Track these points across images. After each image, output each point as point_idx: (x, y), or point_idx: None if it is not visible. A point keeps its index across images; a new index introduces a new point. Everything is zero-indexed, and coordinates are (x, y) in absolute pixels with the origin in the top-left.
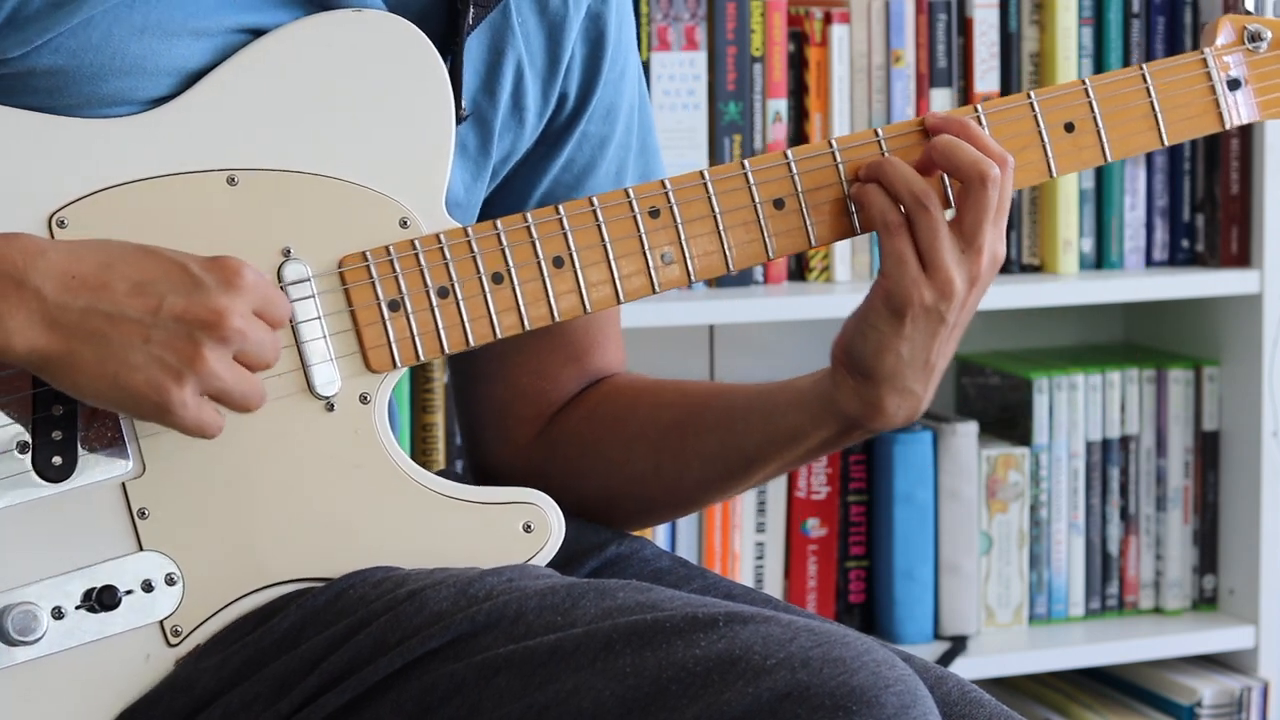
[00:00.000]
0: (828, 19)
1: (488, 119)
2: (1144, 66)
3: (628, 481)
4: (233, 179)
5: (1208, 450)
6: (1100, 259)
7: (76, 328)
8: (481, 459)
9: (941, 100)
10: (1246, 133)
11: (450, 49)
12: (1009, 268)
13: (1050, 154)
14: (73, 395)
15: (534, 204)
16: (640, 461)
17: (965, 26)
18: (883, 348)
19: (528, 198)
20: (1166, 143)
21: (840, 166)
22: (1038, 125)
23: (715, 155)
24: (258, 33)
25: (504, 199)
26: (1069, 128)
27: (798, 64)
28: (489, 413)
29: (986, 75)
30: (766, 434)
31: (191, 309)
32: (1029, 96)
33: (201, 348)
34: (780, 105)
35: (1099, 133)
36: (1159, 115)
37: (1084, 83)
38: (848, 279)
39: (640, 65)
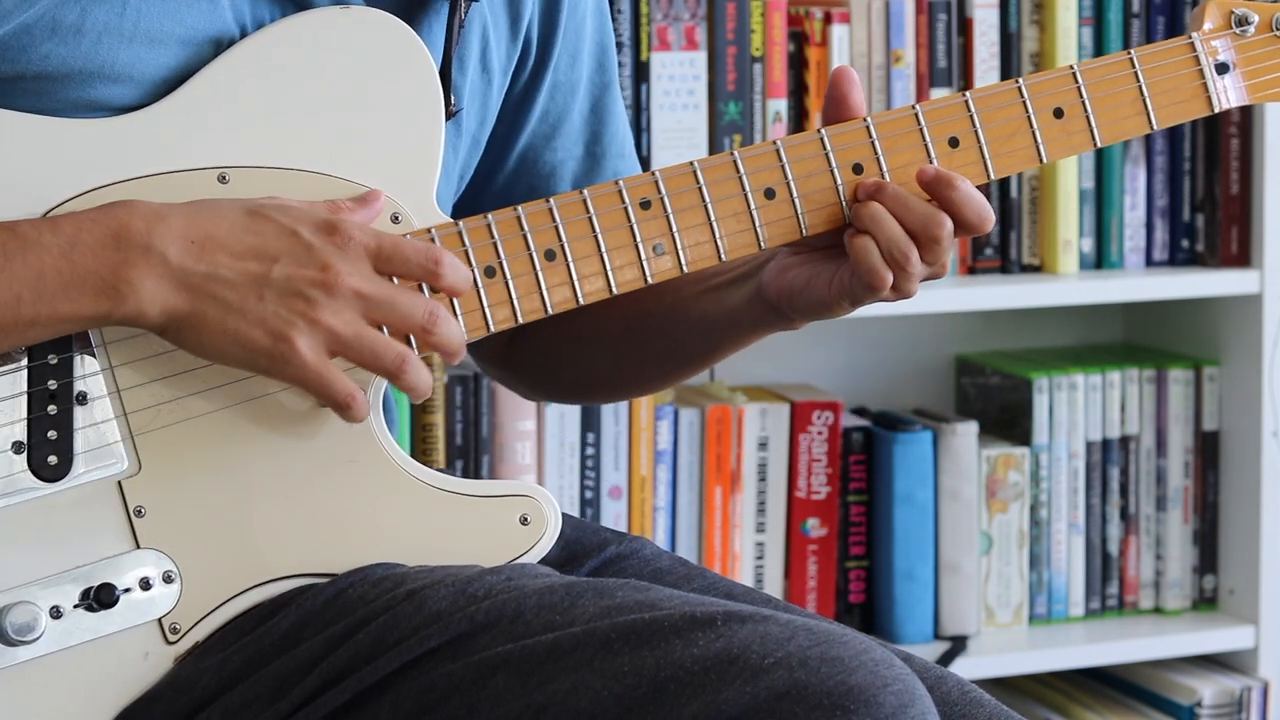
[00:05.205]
0: (828, 19)
1: (458, 86)
2: (1132, 52)
3: (595, 376)
4: (224, 177)
5: (1208, 450)
6: (1100, 259)
7: (199, 289)
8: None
9: None
10: (1246, 132)
11: (429, 37)
12: (1009, 268)
13: (1039, 139)
14: (197, 355)
15: (515, 159)
16: (600, 360)
17: (965, 26)
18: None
19: (508, 154)
20: (1156, 127)
21: (830, 155)
22: (1026, 111)
23: None
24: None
25: (485, 157)
26: (1058, 113)
27: (798, 64)
28: None
29: (986, 75)
30: (709, 346)
31: (301, 271)
32: (1017, 83)
33: (316, 304)
34: (780, 105)
35: (1088, 118)
36: (1148, 100)
37: (1072, 68)
38: None
39: (602, 7)
